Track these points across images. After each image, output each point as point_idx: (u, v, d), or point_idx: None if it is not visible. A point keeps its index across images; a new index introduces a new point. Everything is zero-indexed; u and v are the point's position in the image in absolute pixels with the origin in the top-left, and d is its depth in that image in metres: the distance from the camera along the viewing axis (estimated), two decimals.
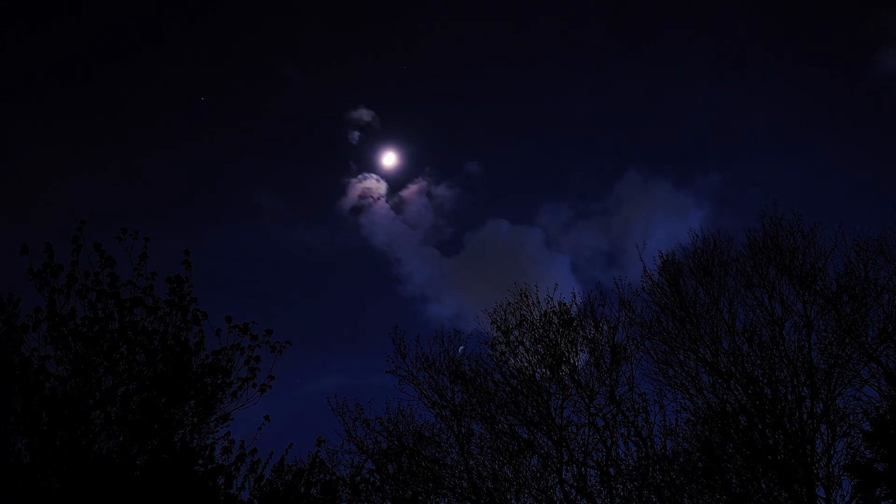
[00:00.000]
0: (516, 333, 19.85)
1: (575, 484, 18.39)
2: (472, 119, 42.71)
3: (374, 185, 38.23)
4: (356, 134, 37.00)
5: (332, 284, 43.14)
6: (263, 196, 41.04)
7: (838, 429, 17.83)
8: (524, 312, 20.05)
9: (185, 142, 39.57)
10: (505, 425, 19.16)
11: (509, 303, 20.29)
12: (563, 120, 42.28)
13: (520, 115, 42.26)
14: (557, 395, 19.15)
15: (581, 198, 42.65)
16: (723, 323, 19.17)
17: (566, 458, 18.54)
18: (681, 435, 18.65)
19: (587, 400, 18.87)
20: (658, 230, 38.75)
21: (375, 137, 37.93)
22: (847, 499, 17.23)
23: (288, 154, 41.20)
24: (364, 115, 37.21)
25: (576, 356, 19.28)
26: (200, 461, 11.25)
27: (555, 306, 19.86)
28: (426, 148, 41.51)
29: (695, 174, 40.43)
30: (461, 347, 20.07)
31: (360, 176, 38.39)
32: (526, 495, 18.57)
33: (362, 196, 38.28)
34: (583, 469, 18.45)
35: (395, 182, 41.97)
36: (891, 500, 16.64)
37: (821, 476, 17.49)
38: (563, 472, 18.50)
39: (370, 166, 40.76)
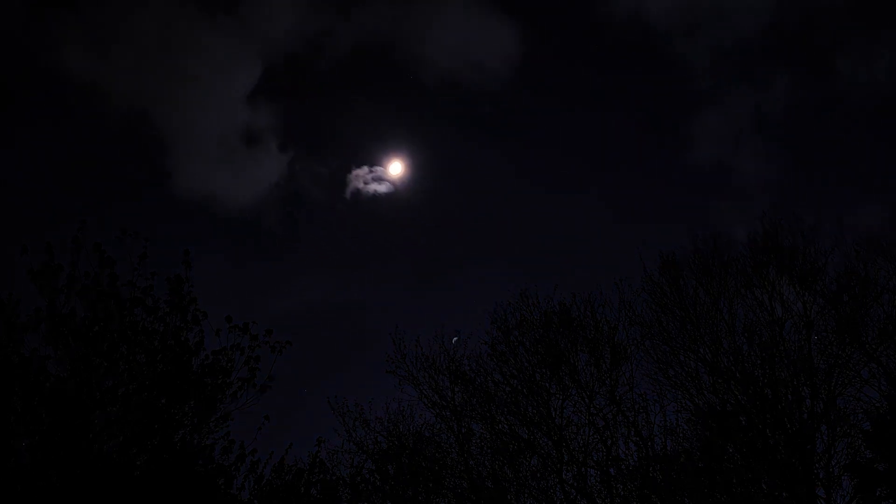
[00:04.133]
0: (516, 333, 19.86)
1: (575, 484, 18.39)
2: None
3: None
4: None
5: None
6: None
7: (838, 429, 17.85)
8: (524, 312, 20.05)
9: None
10: (505, 425, 19.17)
11: (510, 302, 20.31)
12: None
13: None
14: (557, 395, 19.16)
15: None
16: (723, 323, 19.18)
17: (566, 458, 18.55)
18: (681, 435, 18.66)
19: (587, 400, 18.88)
20: None
21: None
22: (847, 499, 17.26)
23: None
24: None
25: (576, 356, 19.29)
26: (200, 461, 11.25)
27: (555, 306, 19.89)
28: None
29: None
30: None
31: None
32: (526, 495, 18.57)
33: None
34: (583, 469, 18.46)
35: None
36: (891, 501, 16.64)
37: (821, 476, 17.50)
38: (564, 472, 18.51)
39: None
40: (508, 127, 38.12)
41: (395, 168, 33.10)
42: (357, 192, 35.42)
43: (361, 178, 34.45)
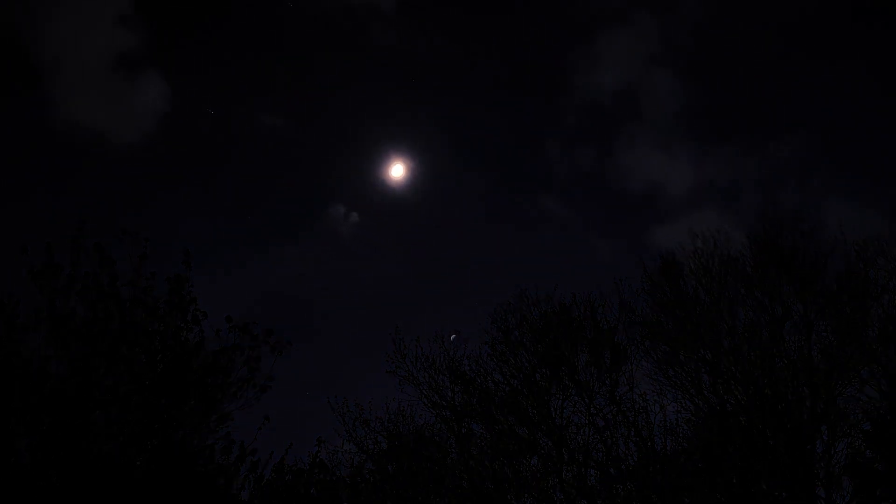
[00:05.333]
0: (516, 333, 19.85)
1: (575, 484, 18.39)
2: None
3: None
4: None
5: None
6: None
7: (838, 429, 17.84)
8: (524, 312, 20.05)
9: None
10: (505, 425, 19.16)
11: (510, 302, 20.30)
12: None
13: None
14: (557, 395, 19.16)
15: None
16: (723, 323, 19.16)
17: (566, 458, 18.54)
18: (681, 435, 18.66)
19: (587, 400, 18.87)
20: None
21: None
22: (847, 499, 17.25)
23: None
24: None
25: (576, 356, 19.28)
26: (200, 461, 11.25)
27: (555, 306, 19.88)
28: None
29: None
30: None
31: None
32: (526, 495, 18.57)
33: None
34: (583, 469, 18.45)
35: None
36: (891, 501, 16.65)
37: (821, 476, 17.49)
38: (564, 472, 18.50)
39: None
40: (398, 59, 35.86)
41: (398, 170, 32.82)
42: (250, 128, 33.38)
43: (255, 111, 32.56)
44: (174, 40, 32.89)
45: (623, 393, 18.75)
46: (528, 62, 36.73)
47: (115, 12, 30.98)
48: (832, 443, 17.73)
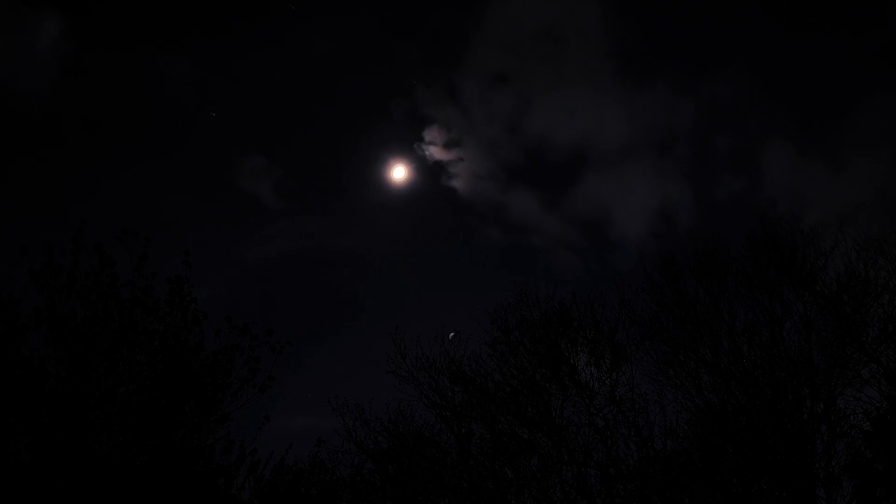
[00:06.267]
0: (516, 333, 19.85)
1: (575, 484, 18.38)
2: None
3: None
4: None
5: None
6: None
7: (838, 429, 17.84)
8: (524, 312, 20.05)
9: None
10: (505, 425, 19.16)
11: (510, 302, 20.31)
12: None
13: None
14: (557, 396, 19.16)
15: None
16: (723, 323, 19.17)
17: (566, 458, 18.53)
18: (681, 435, 18.65)
19: (587, 400, 18.87)
20: None
21: None
22: (847, 499, 17.24)
23: None
24: None
25: (576, 356, 19.29)
26: (200, 461, 11.26)
27: (555, 306, 19.89)
28: None
29: None
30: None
31: None
32: (526, 495, 18.57)
33: None
34: (583, 469, 18.45)
35: None
36: (891, 501, 16.64)
37: (821, 476, 17.49)
38: (564, 473, 18.50)
39: None
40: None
41: (399, 172, 32.52)
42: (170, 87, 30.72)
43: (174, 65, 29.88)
44: None
45: (623, 393, 18.77)
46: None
47: None
48: (832, 443, 17.72)
